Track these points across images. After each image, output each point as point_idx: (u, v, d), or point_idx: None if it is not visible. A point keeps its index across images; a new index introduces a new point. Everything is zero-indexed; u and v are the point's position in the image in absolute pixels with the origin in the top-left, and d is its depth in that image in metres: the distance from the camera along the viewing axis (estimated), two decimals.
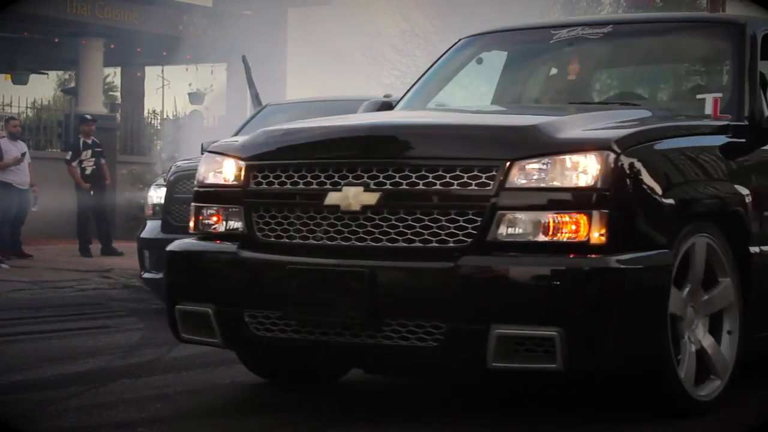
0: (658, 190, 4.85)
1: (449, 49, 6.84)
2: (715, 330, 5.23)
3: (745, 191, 5.40)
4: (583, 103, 6.03)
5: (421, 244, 4.78)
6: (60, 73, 34.90)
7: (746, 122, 5.64)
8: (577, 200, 4.68)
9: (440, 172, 4.78)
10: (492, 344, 4.62)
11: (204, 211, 5.37)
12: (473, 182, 4.74)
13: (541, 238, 4.68)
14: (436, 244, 4.76)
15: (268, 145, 5.27)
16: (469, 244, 4.72)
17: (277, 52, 26.89)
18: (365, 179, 4.89)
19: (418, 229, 4.79)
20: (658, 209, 4.85)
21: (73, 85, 29.50)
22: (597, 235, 4.64)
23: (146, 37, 26.41)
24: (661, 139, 5.05)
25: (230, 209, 5.25)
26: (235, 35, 24.41)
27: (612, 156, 4.70)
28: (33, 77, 29.02)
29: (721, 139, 5.46)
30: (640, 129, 5.03)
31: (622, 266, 4.64)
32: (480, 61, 6.71)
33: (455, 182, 4.76)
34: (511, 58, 6.78)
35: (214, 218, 5.33)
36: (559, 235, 4.66)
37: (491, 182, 4.72)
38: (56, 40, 26.97)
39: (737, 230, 5.34)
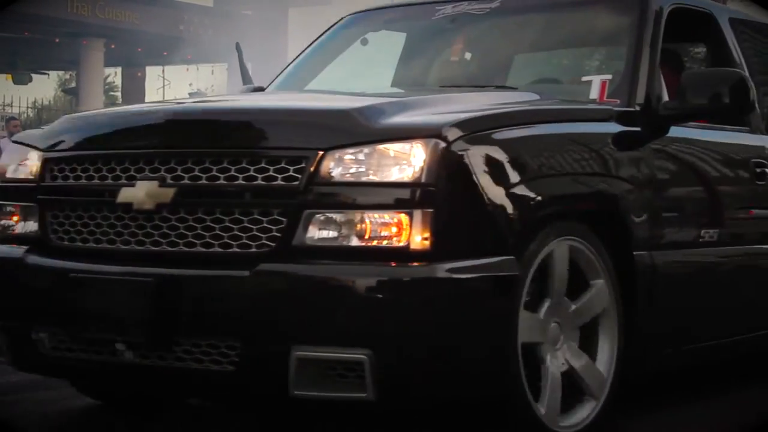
0: (504, 185, 3.98)
1: (330, 27, 6.02)
2: (590, 343, 4.38)
3: (627, 187, 4.53)
4: (454, 86, 5.17)
5: (221, 249, 3.95)
6: (61, 73, 34.39)
7: (637, 108, 4.77)
8: (398, 197, 3.81)
9: (244, 165, 3.94)
10: (293, 369, 3.78)
11: (1, 210, 4.57)
12: (279, 176, 3.90)
13: (355, 242, 3.82)
14: (237, 250, 3.92)
15: (67, 135, 4.43)
16: (272, 249, 3.87)
17: (278, 52, 26.20)
18: (162, 173, 4.06)
19: (217, 232, 3.95)
20: (502, 208, 3.97)
21: (73, 85, 28.93)
22: (419, 239, 3.78)
23: (147, 37, 25.92)
24: (515, 126, 4.16)
25: (27, 208, 4.44)
26: (236, 35, 23.76)
27: (441, 145, 3.84)
28: (34, 77, 28.43)
29: (601, 127, 4.57)
30: (484, 114, 4.15)
31: (450, 276, 3.79)
32: (365, 42, 5.87)
33: (260, 176, 3.91)
34: (400, 38, 5.93)
35: (14, 218, 4.52)
36: (376, 239, 3.81)
37: (300, 176, 3.88)
38: (57, 40, 26.45)
39: (618, 233, 4.48)
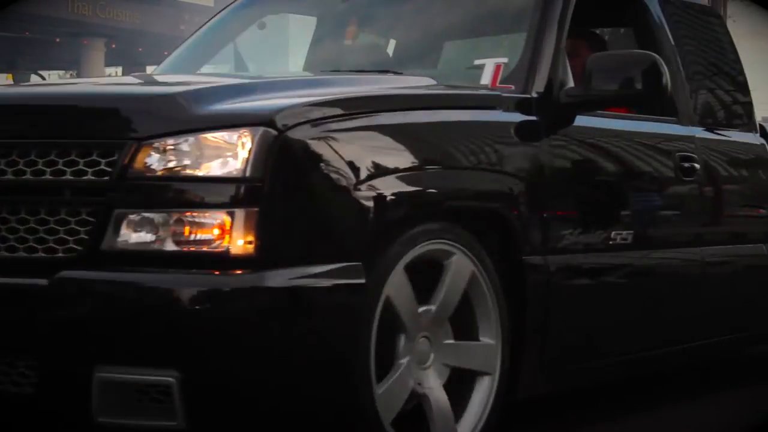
0: (353, 180, 3.38)
1: (226, 7, 5.45)
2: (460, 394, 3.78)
3: (515, 183, 3.92)
4: (335, 71, 4.60)
5: (26, 254, 3.38)
6: (61, 72, 34.02)
7: (534, 95, 4.17)
8: (220, 195, 3.22)
9: (52, 157, 3.37)
10: (96, 392, 3.22)
11: None
12: (90, 170, 3.32)
13: (172, 247, 3.23)
14: (43, 255, 3.35)
15: None
16: (78, 254, 3.30)
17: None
18: None
19: (22, 234, 3.39)
20: (348, 207, 3.38)
21: None
22: (242, 243, 3.20)
23: (148, 36, 25.47)
24: (370, 113, 3.57)
25: None
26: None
27: (271, 133, 3.25)
28: (35, 77, 28.01)
29: (484, 115, 3.97)
30: (331, 99, 3.55)
31: (277, 285, 3.20)
32: (263, 26, 5.30)
33: (68, 170, 3.34)
34: (298, 20, 5.39)
35: None
36: (195, 243, 3.23)
37: (111, 170, 3.31)
38: (58, 40, 26.05)
39: (504, 237, 3.89)
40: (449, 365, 3.72)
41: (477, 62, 4.28)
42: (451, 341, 3.72)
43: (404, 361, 3.56)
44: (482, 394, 3.78)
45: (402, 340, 3.57)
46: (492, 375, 3.79)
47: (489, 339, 3.79)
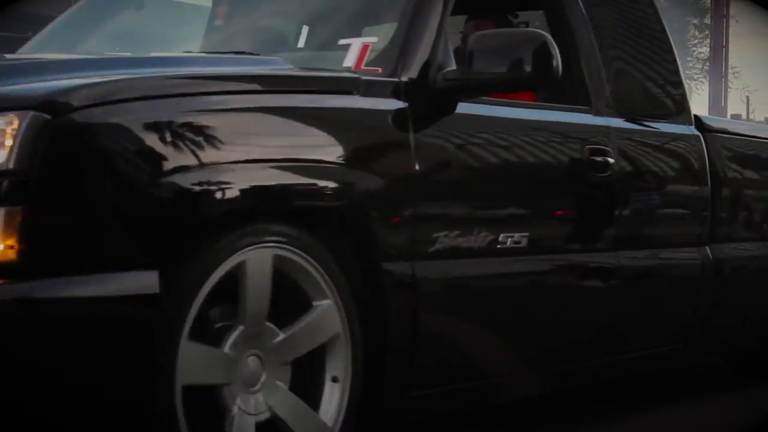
0: (149, 175, 2.83)
1: None
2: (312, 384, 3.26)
3: (372, 180, 3.36)
4: (188, 51, 4.06)
5: None
6: None
7: (405, 79, 3.60)
8: None
9: None
10: None
11: None
12: None
13: None
14: None
15: None
16: None
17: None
18: None
19: None
20: (141, 206, 2.83)
21: None
22: (2, 248, 2.67)
23: None
24: (186, 96, 3.00)
25: None
26: None
27: (42, 119, 2.71)
28: None
29: (334, 100, 3.39)
30: (127, 79, 2.99)
31: (45, 297, 2.66)
32: (141, 7, 4.78)
33: None
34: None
35: None
36: None
37: None
38: None
39: (360, 238, 3.35)
40: (288, 361, 3.19)
41: (342, 42, 3.72)
42: (281, 336, 3.16)
43: (235, 413, 3.04)
44: (338, 363, 3.25)
45: (224, 390, 3.04)
46: (341, 334, 3.25)
47: (323, 300, 3.22)
